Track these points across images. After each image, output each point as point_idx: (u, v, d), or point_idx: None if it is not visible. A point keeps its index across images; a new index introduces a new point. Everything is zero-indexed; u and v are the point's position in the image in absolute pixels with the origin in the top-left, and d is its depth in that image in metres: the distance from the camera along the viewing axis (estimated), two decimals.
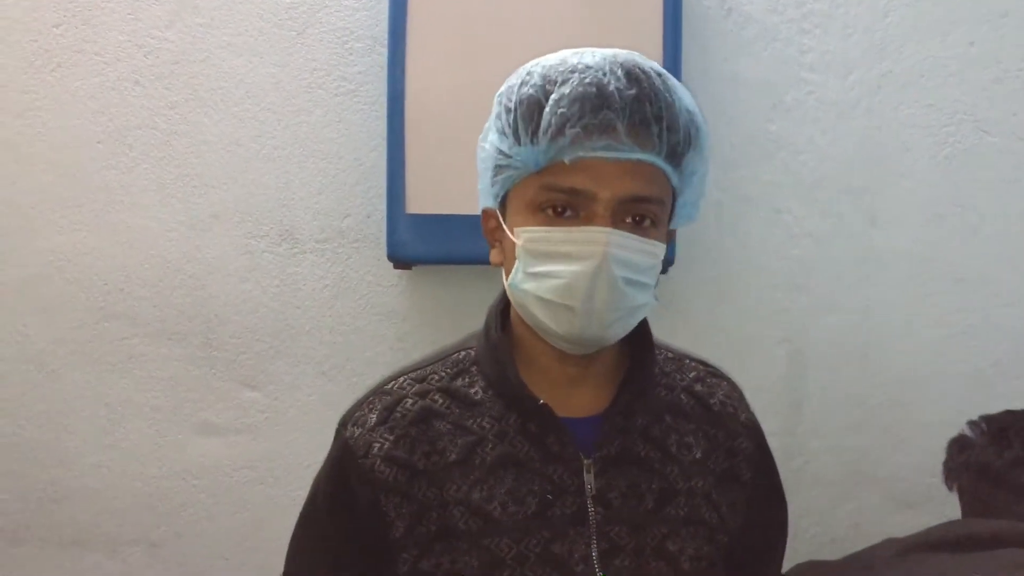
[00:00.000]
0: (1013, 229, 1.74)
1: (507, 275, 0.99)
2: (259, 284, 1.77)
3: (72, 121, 1.75)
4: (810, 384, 1.78)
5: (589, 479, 0.99)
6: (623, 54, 0.95)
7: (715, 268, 1.75)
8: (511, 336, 1.04)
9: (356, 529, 1.00)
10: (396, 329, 1.77)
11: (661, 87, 0.93)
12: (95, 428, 1.79)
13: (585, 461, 0.99)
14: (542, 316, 0.95)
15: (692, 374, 1.11)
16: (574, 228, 0.92)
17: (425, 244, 1.62)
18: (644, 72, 0.93)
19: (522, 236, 0.95)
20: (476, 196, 1.55)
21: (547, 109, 0.91)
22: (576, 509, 0.98)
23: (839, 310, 1.76)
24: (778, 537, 1.18)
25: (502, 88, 0.98)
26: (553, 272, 0.92)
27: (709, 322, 1.75)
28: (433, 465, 0.98)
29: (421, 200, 1.61)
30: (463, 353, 1.06)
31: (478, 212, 1.55)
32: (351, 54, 1.74)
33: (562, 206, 0.93)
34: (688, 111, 0.95)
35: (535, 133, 0.92)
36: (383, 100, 1.67)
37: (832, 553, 1.55)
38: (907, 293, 1.75)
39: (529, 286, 0.94)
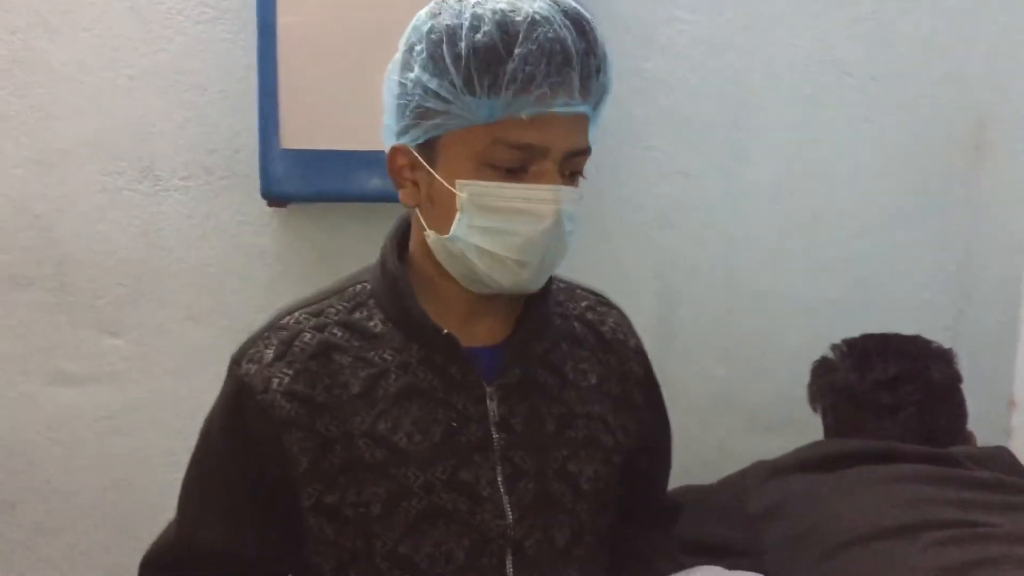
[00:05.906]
0: (866, 167, 1.82)
1: (427, 220, 0.96)
2: (118, 224, 1.66)
3: None
4: (680, 316, 1.83)
5: (492, 406, 0.99)
6: (563, 1, 0.92)
7: (589, 205, 1.74)
8: (408, 268, 1.02)
9: (256, 468, 0.97)
10: (269, 270, 1.70)
11: (599, 37, 0.93)
12: None
13: (487, 389, 0.99)
14: (484, 268, 0.94)
15: (584, 303, 1.13)
16: (527, 185, 0.91)
17: (301, 181, 1.56)
18: (588, 23, 0.92)
19: (466, 189, 0.92)
20: (355, 131, 1.55)
21: (513, 65, 0.87)
22: (480, 436, 0.98)
23: (707, 244, 1.81)
24: (665, 457, 1.23)
25: (431, 24, 0.91)
26: (506, 228, 0.92)
27: (583, 258, 1.75)
28: (335, 399, 0.96)
29: (296, 135, 1.54)
30: (359, 287, 1.04)
31: (367, 148, 1.54)
32: None
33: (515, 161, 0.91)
34: (608, 58, 0.95)
35: (493, 86, 0.88)
36: (250, 29, 1.58)
37: (701, 476, 1.61)
38: (771, 227, 1.81)
39: (475, 240, 0.93)
